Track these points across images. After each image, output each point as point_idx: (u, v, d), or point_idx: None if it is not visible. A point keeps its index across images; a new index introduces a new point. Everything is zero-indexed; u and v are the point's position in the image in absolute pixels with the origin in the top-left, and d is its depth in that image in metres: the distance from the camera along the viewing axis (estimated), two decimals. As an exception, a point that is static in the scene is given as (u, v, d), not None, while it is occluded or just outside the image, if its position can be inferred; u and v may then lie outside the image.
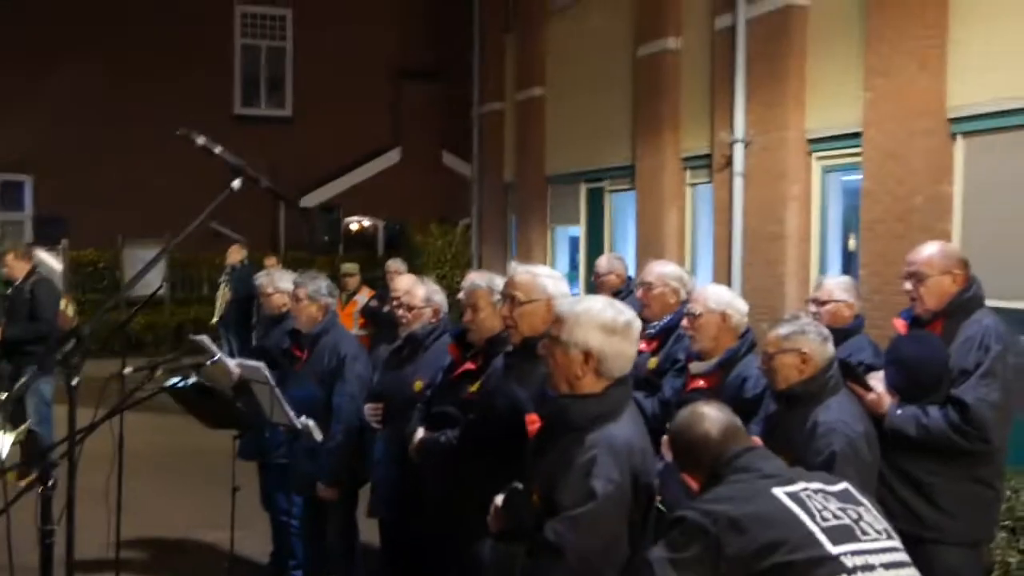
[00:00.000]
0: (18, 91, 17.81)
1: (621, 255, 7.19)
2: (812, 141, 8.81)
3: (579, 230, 13.59)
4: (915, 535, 3.59)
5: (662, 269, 5.03)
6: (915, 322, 4.07)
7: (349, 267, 11.15)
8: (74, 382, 2.44)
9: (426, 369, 4.66)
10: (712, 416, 2.70)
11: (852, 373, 3.87)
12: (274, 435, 5.27)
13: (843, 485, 2.52)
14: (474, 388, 4.01)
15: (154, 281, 10.86)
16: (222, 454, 5.49)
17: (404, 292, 4.91)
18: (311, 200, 20.08)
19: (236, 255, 12.86)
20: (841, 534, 2.32)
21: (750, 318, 4.37)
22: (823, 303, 4.78)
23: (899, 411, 3.83)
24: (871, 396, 3.86)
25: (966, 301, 3.93)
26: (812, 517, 2.33)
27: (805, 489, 2.42)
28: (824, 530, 2.30)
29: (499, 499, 3.11)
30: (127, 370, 5.06)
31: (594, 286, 6.85)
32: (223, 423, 4.99)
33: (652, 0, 11.13)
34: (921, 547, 3.52)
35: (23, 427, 4.43)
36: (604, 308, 2.95)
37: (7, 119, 17.51)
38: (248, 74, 20.96)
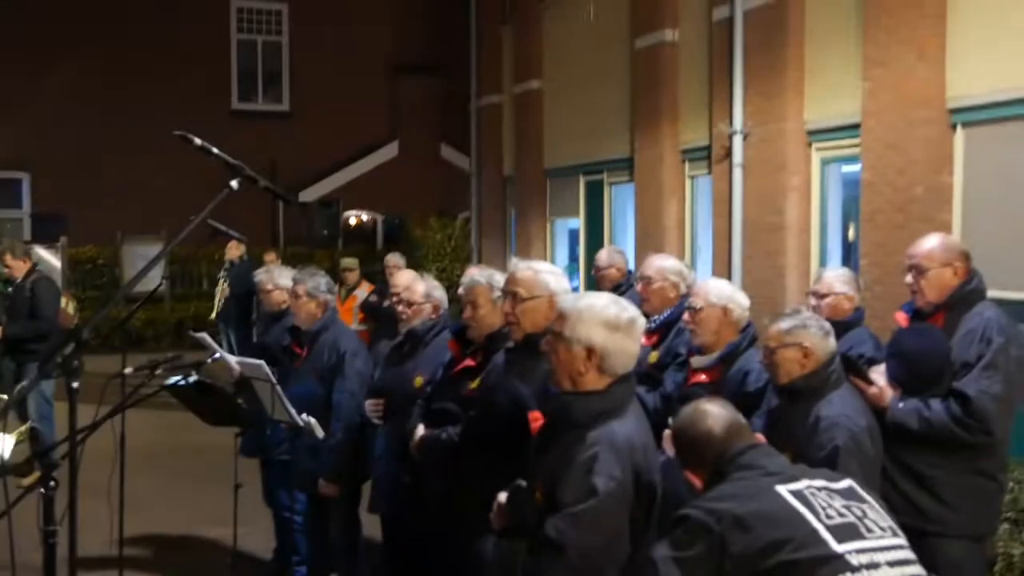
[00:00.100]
0: (15, 88, 17.78)
1: (621, 249, 7.18)
2: (811, 132, 8.80)
3: (578, 223, 13.59)
4: (918, 528, 3.58)
5: (662, 263, 5.02)
6: (917, 315, 4.06)
7: (349, 262, 11.13)
8: (74, 385, 2.43)
9: (426, 365, 4.65)
10: (715, 413, 2.70)
11: (854, 367, 3.86)
12: (276, 432, 5.27)
13: (847, 482, 2.51)
14: (474, 384, 4.00)
15: (153, 278, 10.87)
16: (224, 451, 5.48)
17: (404, 288, 4.91)
18: (310, 195, 20.06)
19: (235, 251, 12.85)
20: (846, 532, 2.31)
21: (751, 311, 4.36)
22: (823, 296, 4.77)
23: (901, 404, 3.82)
24: (873, 390, 3.85)
25: (967, 294, 3.91)
26: (816, 515, 2.32)
27: (809, 487, 2.41)
28: (829, 528, 2.29)
29: (502, 496, 3.10)
30: (128, 370, 5.05)
31: (594, 279, 6.84)
32: (224, 421, 4.98)
33: (649, -8, 11.12)
34: (924, 540, 3.51)
35: (24, 428, 4.42)
36: (608, 305, 2.94)
37: (4, 116, 17.49)
38: (245, 69, 20.91)
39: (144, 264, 14.78)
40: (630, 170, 11.83)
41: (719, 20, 9.79)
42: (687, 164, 10.91)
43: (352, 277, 10.83)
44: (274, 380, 4.80)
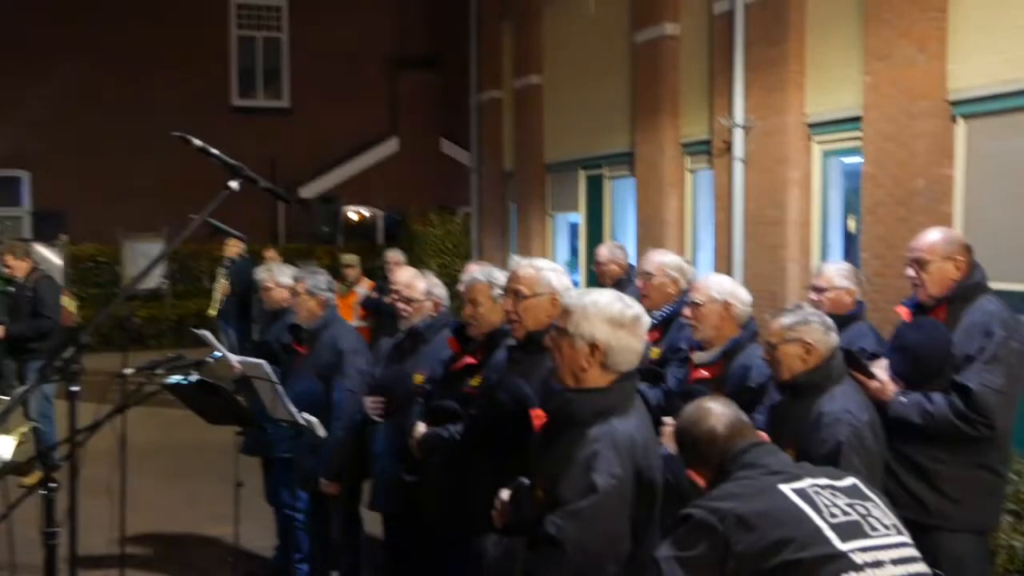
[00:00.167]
0: (15, 86, 17.78)
1: (622, 244, 7.17)
2: (812, 125, 8.77)
3: (579, 217, 13.56)
4: (920, 523, 3.59)
5: (662, 259, 5.01)
6: (918, 309, 4.06)
7: (349, 258, 11.12)
8: (74, 389, 2.43)
9: (427, 362, 4.65)
10: (718, 412, 2.69)
11: (855, 361, 3.85)
12: (277, 430, 5.26)
13: (851, 480, 2.50)
14: (475, 382, 4.00)
15: (153, 276, 10.86)
16: (224, 449, 5.49)
17: (405, 286, 4.89)
18: (310, 191, 20.06)
19: (234, 248, 12.84)
20: (850, 531, 2.30)
21: (754, 309, 4.35)
22: (823, 290, 4.76)
23: (903, 398, 3.82)
24: (874, 384, 3.85)
25: (969, 287, 3.91)
26: (820, 514, 2.31)
27: (813, 485, 2.40)
28: (832, 527, 2.28)
29: (505, 493, 3.10)
30: (128, 370, 5.05)
31: (595, 275, 6.83)
32: (225, 419, 4.98)
33: (649, -15, 11.08)
34: (926, 534, 3.52)
35: (25, 428, 4.42)
36: (612, 301, 2.94)
37: (4, 114, 17.49)
38: (245, 66, 20.91)
39: (144, 261, 14.84)
40: (630, 164, 11.81)
41: (720, 13, 9.76)
42: (687, 158, 10.88)
43: (352, 273, 10.82)
44: (275, 379, 4.79)
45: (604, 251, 6.66)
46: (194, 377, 4.56)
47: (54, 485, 2.83)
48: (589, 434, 2.81)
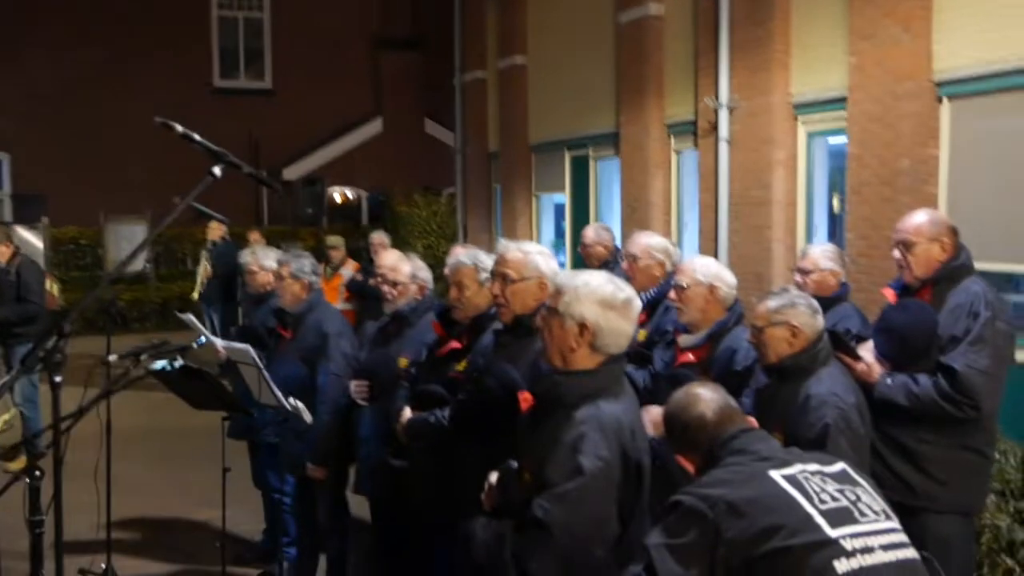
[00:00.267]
0: (-8, 68, 17.60)
1: (608, 226, 7.15)
2: (797, 106, 8.78)
3: (564, 198, 13.55)
4: (906, 504, 3.60)
5: (648, 241, 5.00)
6: (904, 291, 4.06)
7: (334, 240, 11.08)
8: (58, 379, 2.41)
9: (412, 346, 4.63)
10: (707, 398, 2.68)
11: (842, 343, 3.86)
12: (263, 415, 5.24)
13: (840, 466, 2.50)
14: (461, 367, 3.99)
15: (137, 260, 10.78)
16: (209, 432, 5.47)
17: (390, 269, 4.86)
18: (293, 172, 19.95)
19: (217, 231, 12.77)
20: (840, 517, 2.30)
21: (738, 288, 4.35)
22: (808, 272, 4.77)
23: (889, 380, 3.83)
24: (861, 366, 3.86)
25: (954, 269, 3.92)
26: (810, 500, 2.31)
27: (803, 471, 2.40)
28: (822, 513, 2.28)
29: (493, 477, 3.10)
30: (112, 357, 5.02)
31: (581, 256, 6.82)
32: (211, 405, 4.96)
33: (633, -36, 11.02)
34: (913, 516, 3.53)
35: (8, 416, 4.40)
36: (604, 283, 2.93)
37: (-20, 96, 17.32)
38: (226, 46, 20.73)
39: (127, 244, 14.70)
40: (615, 145, 11.79)
41: (704, -7, 9.73)
42: (673, 138, 10.87)
43: (337, 255, 10.79)
44: (261, 365, 4.77)
45: (590, 233, 6.65)
46: (179, 363, 4.53)
47: (39, 473, 2.81)
48: (576, 416, 2.81)
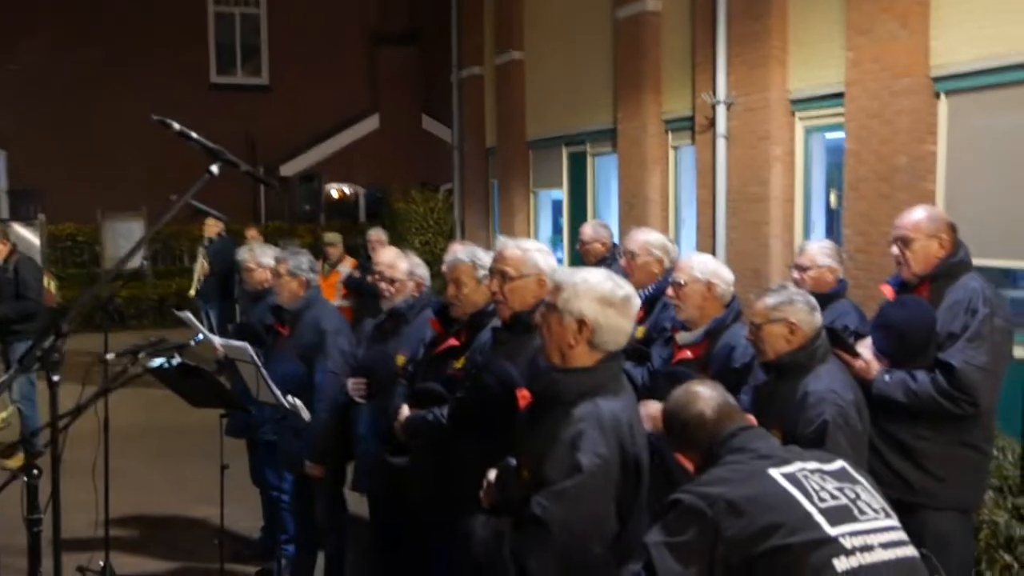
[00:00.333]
0: (-12, 64, 17.55)
1: (606, 223, 7.14)
2: (795, 102, 8.77)
3: (562, 194, 13.55)
4: (904, 501, 3.60)
5: (646, 238, 4.99)
6: (902, 287, 4.07)
7: (332, 237, 11.06)
8: (55, 378, 2.40)
9: (409, 343, 4.62)
10: (707, 396, 2.68)
11: (840, 340, 3.86)
12: (261, 412, 5.24)
13: (839, 463, 2.50)
14: (459, 364, 3.98)
15: (134, 257, 10.78)
16: (207, 429, 5.46)
17: (387, 266, 4.86)
18: (290, 168, 19.92)
19: (214, 228, 12.74)
20: (839, 515, 2.30)
21: (736, 284, 4.35)
22: (806, 269, 4.77)
23: (887, 377, 3.83)
24: (859, 363, 3.86)
25: (952, 265, 3.92)
26: (809, 498, 2.31)
27: (802, 469, 2.40)
28: (822, 511, 2.28)
29: (492, 474, 3.10)
30: (110, 355, 5.01)
31: (578, 252, 6.82)
32: (209, 402, 4.95)
33: (631, -40, 11.01)
34: (911, 513, 3.53)
35: (5, 414, 4.39)
36: (603, 280, 2.94)
37: (-23, 93, 17.28)
38: (223, 42, 20.69)
39: (124, 240, 14.64)
40: (613, 141, 11.78)
41: (702, -12, 9.72)
42: (670, 134, 10.86)
43: (335, 252, 10.77)
44: (259, 363, 4.76)
45: (588, 230, 6.64)
46: (176, 360, 4.53)
47: (36, 472, 2.81)
48: (574, 414, 2.81)
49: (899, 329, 3.88)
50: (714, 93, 9.39)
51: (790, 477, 2.36)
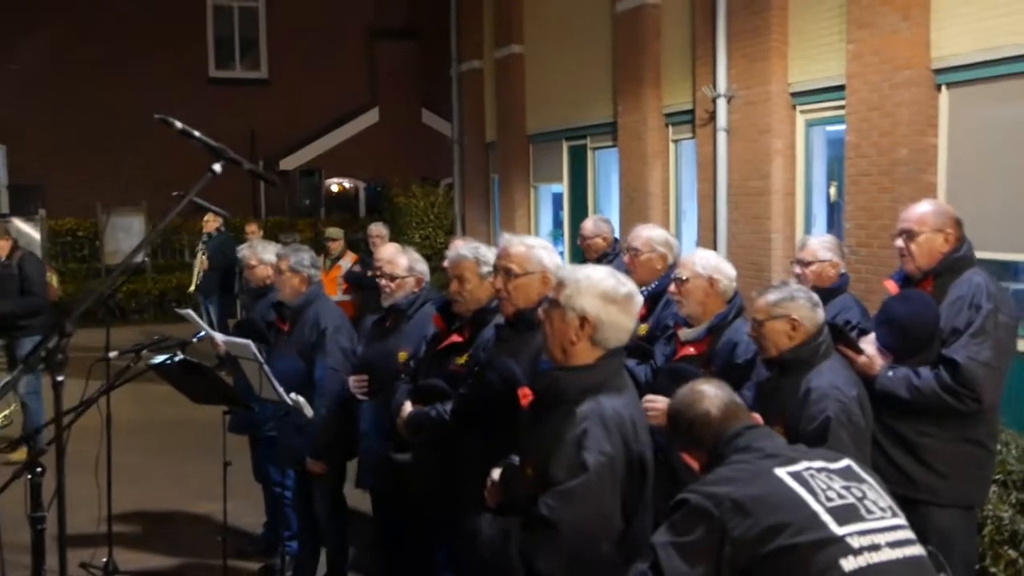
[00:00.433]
0: (-13, 59, 17.53)
1: (607, 217, 7.15)
2: (795, 95, 8.76)
3: (562, 188, 13.53)
4: (908, 497, 3.60)
5: (649, 234, 4.98)
6: (906, 282, 4.06)
7: (333, 232, 11.06)
8: (60, 379, 2.40)
9: (410, 339, 4.61)
10: (712, 394, 2.68)
11: (843, 336, 3.85)
12: (264, 409, 5.23)
13: (846, 462, 2.49)
14: (461, 360, 3.97)
15: (138, 253, 10.79)
16: (210, 424, 5.46)
17: (387, 262, 4.85)
18: (290, 163, 19.92)
19: (212, 223, 12.73)
20: (846, 514, 2.29)
21: (738, 279, 4.35)
22: (808, 263, 4.75)
23: (890, 373, 3.82)
24: (862, 359, 3.86)
25: (957, 260, 3.91)
26: (816, 497, 2.30)
27: (808, 468, 2.39)
28: (829, 511, 2.27)
29: (496, 473, 3.10)
30: (112, 354, 5.01)
31: (579, 247, 6.81)
32: (211, 399, 4.95)
33: (631, -47, 10.99)
34: (914, 509, 3.53)
35: (8, 411, 4.39)
36: (606, 277, 2.95)
37: (-24, 88, 17.27)
38: (221, 36, 20.66)
39: (124, 235, 14.59)
40: (613, 135, 11.77)
41: (701, -19, 9.70)
42: (671, 128, 10.84)
43: (336, 247, 10.77)
44: (262, 360, 4.75)
45: (589, 225, 6.64)
46: (178, 357, 4.53)
47: (40, 469, 2.81)
48: (578, 412, 2.82)
49: (902, 324, 3.87)
50: (715, 86, 9.38)
51: (796, 476, 2.35)
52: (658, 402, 3.73)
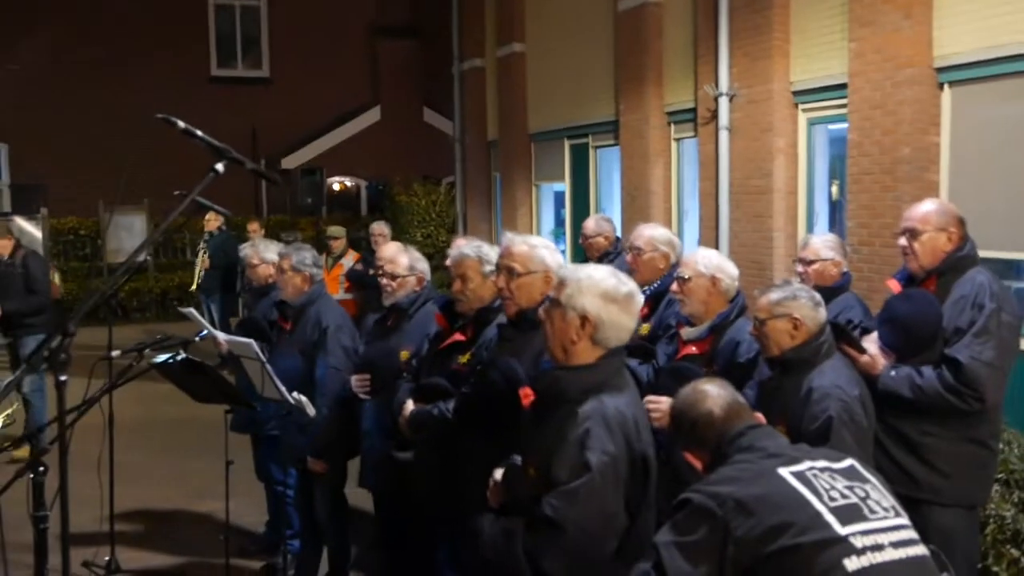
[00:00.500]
0: (-12, 57, 17.54)
1: (609, 216, 7.14)
2: (797, 93, 8.75)
3: (564, 187, 13.53)
4: (910, 496, 3.60)
5: (652, 233, 4.98)
6: (909, 281, 4.06)
7: (335, 230, 11.06)
8: (63, 378, 2.40)
9: (411, 338, 4.61)
10: (715, 394, 2.67)
11: (845, 335, 3.85)
12: (266, 408, 5.24)
13: (849, 462, 2.48)
14: (464, 359, 3.97)
15: (140, 253, 10.81)
16: (212, 423, 5.47)
17: (388, 261, 4.84)
18: (292, 162, 19.92)
19: (214, 222, 12.71)
20: (849, 514, 2.28)
21: (740, 279, 4.34)
22: (810, 262, 4.75)
23: (893, 372, 3.82)
24: (865, 358, 3.85)
25: (960, 259, 3.90)
26: (819, 497, 2.29)
27: (811, 468, 2.38)
28: (832, 510, 2.27)
29: (498, 473, 3.10)
30: (115, 353, 5.01)
31: (581, 246, 6.81)
32: (213, 398, 4.95)
33: (633, -48, 10.98)
34: (916, 508, 3.52)
35: (10, 410, 4.40)
36: (607, 277, 2.95)
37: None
38: (223, 34, 20.65)
39: (126, 234, 14.58)
40: (615, 133, 11.77)
41: (703, -20, 9.69)
42: (673, 127, 10.84)
43: (338, 245, 10.77)
44: (264, 359, 4.75)
45: (591, 224, 6.63)
46: (181, 356, 4.53)
47: (42, 468, 2.81)
48: (580, 412, 2.82)
49: (905, 323, 3.87)
50: (717, 85, 9.37)
51: (799, 476, 2.35)
52: (661, 403, 3.72)
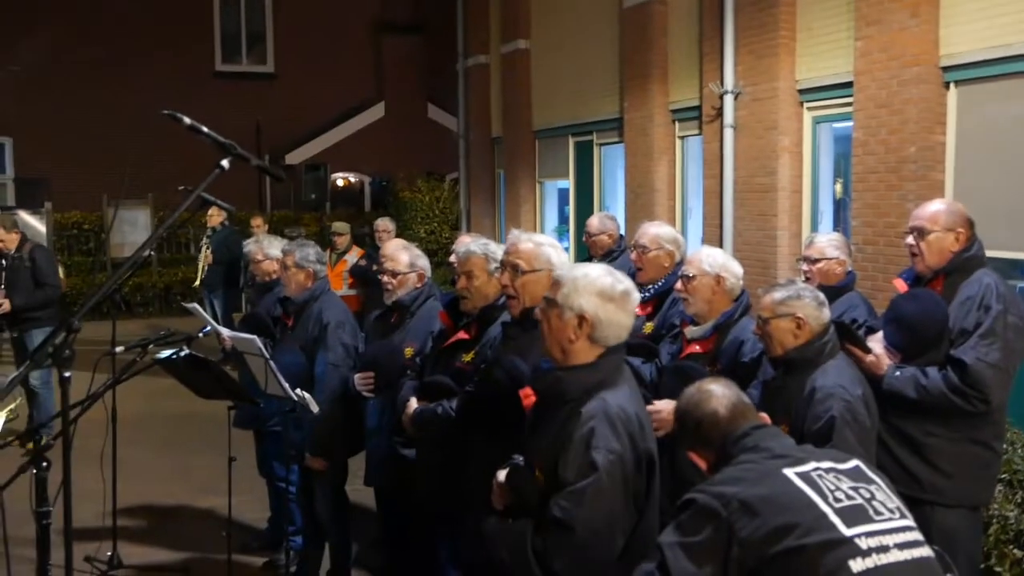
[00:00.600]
0: (-7, 52, 17.55)
1: (613, 214, 7.12)
2: (803, 91, 8.73)
3: (568, 184, 13.52)
4: (913, 497, 3.59)
5: (657, 231, 4.96)
6: (916, 281, 4.05)
7: (339, 226, 11.07)
8: (67, 374, 2.40)
9: (414, 335, 4.60)
10: (720, 394, 2.66)
11: (851, 335, 3.84)
12: (269, 404, 5.23)
13: (854, 462, 2.48)
14: (468, 357, 3.96)
15: (141, 245, 10.81)
16: (214, 418, 5.47)
17: (388, 259, 4.83)
18: (296, 157, 19.91)
19: (216, 217, 12.71)
20: (854, 515, 2.28)
21: (744, 277, 4.33)
22: (815, 261, 4.73)
23: (898, 372, 3.81)
24: (870, 358, 3.84)
25: (967, 260, 3.89)
26: (824, 498, 2.29)
27: (816, 468, 2.38)
28: (837, 511, 2.26)
29: (501, 474, 3.09)
30: (119, 349, 5.01)
31: (585, 243, 6.80)
32: (216, 394, 4.95)
33: (638, -51, 10.95)
34: (919, 508, 3.51)
35: (14, 405, 4.41)
36: (602, 275, 2.94)
37: (-18, 80, 17.29)
38: (228, 30, 20.65)
39: (129, 228, 14.57)
40: (620, 130, 11.75)
41: (709, -23, 9.67)
42: (677, 124, 10.82)
43: (342, 241, 10.78)
44: (267, 355, 4.75)
45: (595, 222, 6.62)
46: (184, 352, 4.53)
47: (46, 464, 2.81)
48: (584, 411, 2.81)
49: (911, 323, 3.86)
50: (722, 83, 9.35)
51: (805, 477, 2.34)
52: (662, 411, 3.71)
